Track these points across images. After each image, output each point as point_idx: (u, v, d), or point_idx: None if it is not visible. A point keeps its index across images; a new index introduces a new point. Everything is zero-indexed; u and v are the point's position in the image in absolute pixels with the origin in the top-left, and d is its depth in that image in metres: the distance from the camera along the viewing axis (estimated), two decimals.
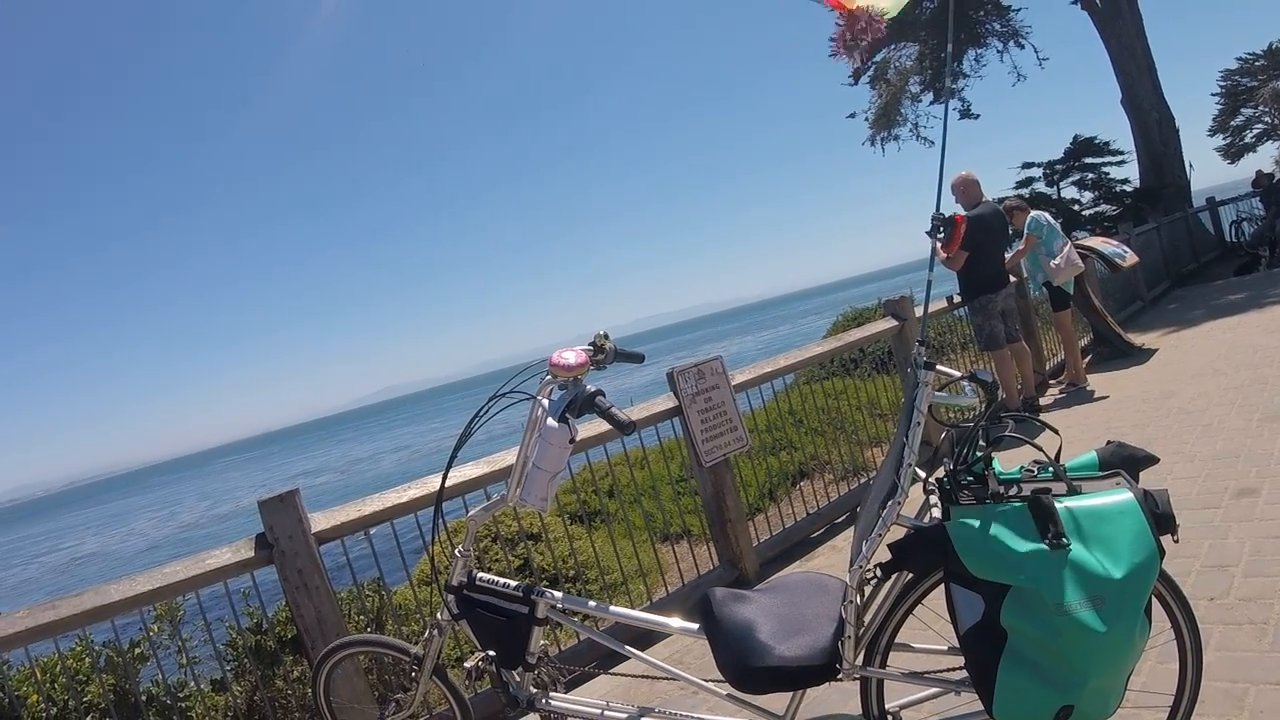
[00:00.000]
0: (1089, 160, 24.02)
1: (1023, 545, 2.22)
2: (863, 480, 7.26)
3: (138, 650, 4.64)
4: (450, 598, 3.47)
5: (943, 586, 2.43)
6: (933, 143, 24.23)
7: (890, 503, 2.44)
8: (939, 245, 2.82)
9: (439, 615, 3.57)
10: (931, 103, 24.29)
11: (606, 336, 3.24)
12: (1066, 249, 9.50)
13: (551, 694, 3.42)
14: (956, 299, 9.14)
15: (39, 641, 4.26)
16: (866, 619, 2.63)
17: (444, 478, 3.69)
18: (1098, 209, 23.56)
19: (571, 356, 3.08)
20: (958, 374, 2.61)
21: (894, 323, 7.87)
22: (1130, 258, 10.98)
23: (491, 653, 3.36)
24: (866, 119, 25.35)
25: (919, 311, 7.51)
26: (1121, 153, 23.80)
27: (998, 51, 23.64)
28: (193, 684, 4.80)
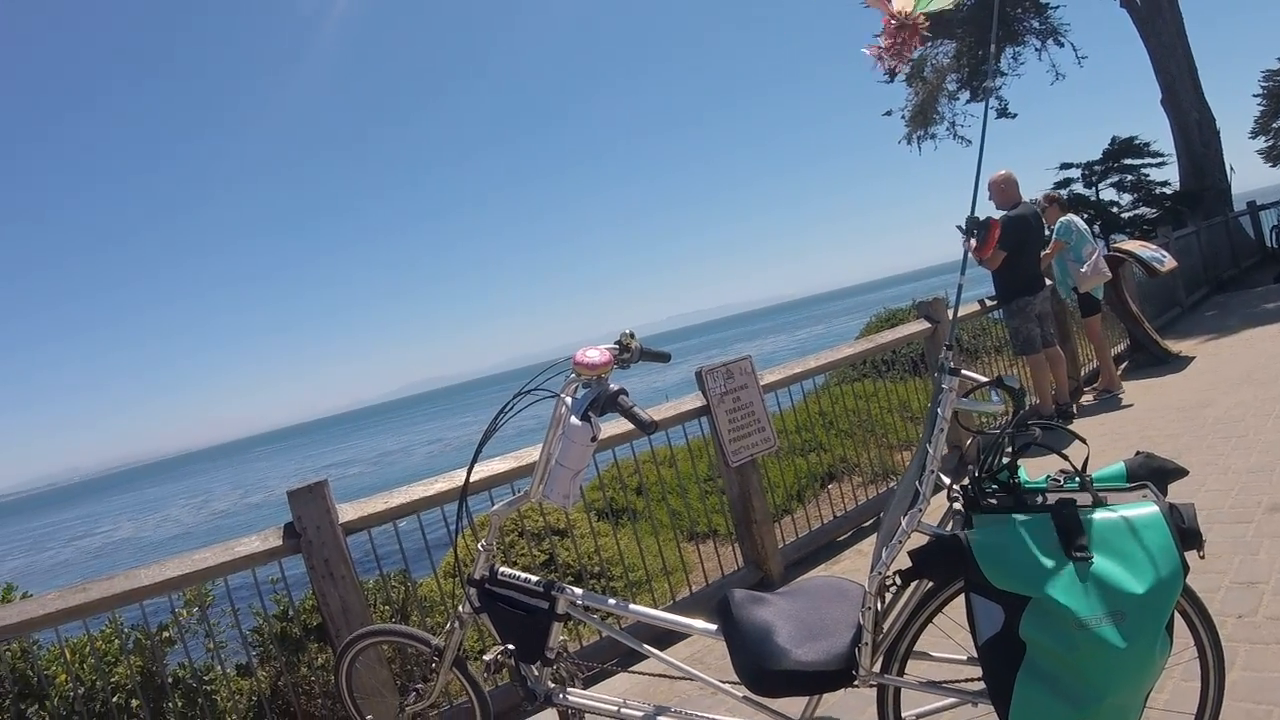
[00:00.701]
0: (1128, 162, 23.80)
1: (1044, 557, 2.20)
2: (891, 484, 7.20)
3: (166, 634, 4.69)
4: (472, 591, 3.49)
5: (963, 596, 2.42)
6: (970, 142, 23.96)
7: (912, 509, 2.42)
8: (972, 248, 2.80)
9: (460, 608, 3.59)
10: (968, 101, 24.08)
11: (632, 335, 3.25)
12: (1095, 255, 9.35)
13: (569, 689, 3.43)
14: (990, 301, 9.05)
15: (69, 623, 4.33)
16: (885, 626, 2.61)
17: (468, 472, 3.72)
18: (1136, 212, 23.34)
19: (595, 355, 3.08)
20: (984, 379, 2.59)
21: (926, 325, 7.81)
22: (1169, 262, 10.83)
23: (511, 646, 3.38)
24: (903, 117, 25.16)
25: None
26: (1161, 154, 23.56)
27: (1036, 50, 23.39)
28: (219, 668, 4.84)
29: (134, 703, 4.52)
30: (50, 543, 71.61)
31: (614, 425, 4.83)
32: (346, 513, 4.54)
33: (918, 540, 2.44)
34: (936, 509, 2.46)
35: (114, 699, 4.48)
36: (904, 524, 2.42)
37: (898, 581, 2.53)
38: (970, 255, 2.84)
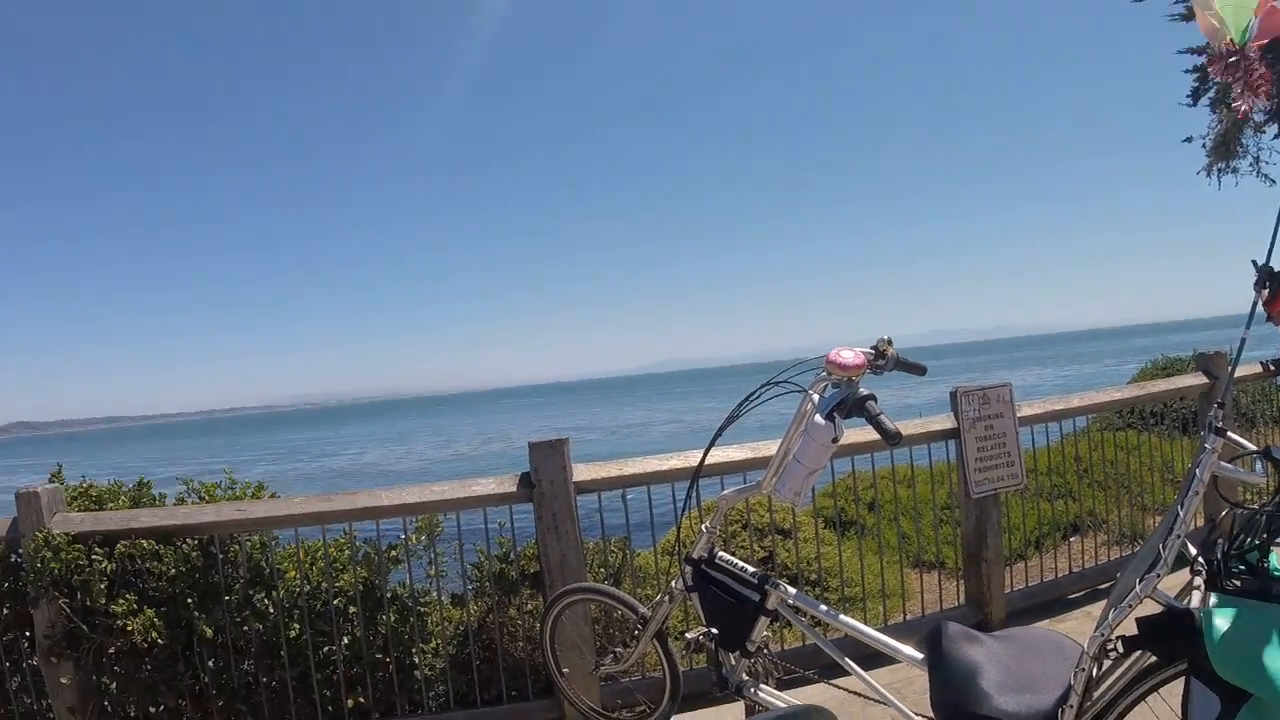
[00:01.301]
0: None
1: (1277, 654, 2.03)
2: (1138, 548, 6.83)
3: (393, 553, 4.93)
4: (688, 569, 3.53)
5: (1183, 678, 2.26)
6: (1274, 181, 22.03)
7: (1150, 574, 2.28)
8: (1263, 300, 2.57)
9: (674, 584, 3.64)
10: (1276, 135, 22.05)
11: (889, 342, 3.19)
12: None
13: (762, 686, 3.43)
14: (1274, 365, 8.31)
15: (309, 527, 4.66)
16: (1096, 693, 2.47)
17: (704, 454, 3.75)
18: None
19: (849, 356, 3.04)
20: (1251, 447, 2.43)
21: (1203, 379, 7.16)
22: None
23: (714, 630, 3.40)
24: (1204, 145, 23.24)
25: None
26: None
27: None
28: (434, 594, 5.08)
29: (351, 609, 4.81)
30: (301, 455, 76.95)
31: (857, 432, 4.75)
32: (581, 472, 4.69)
33: (1149, 609, 2.30)
34: (1178, 580, 2.30)
35: (335, 602, 4.77)
36: (1138, 588, 2.28)
37: (1119, 648, 2.38)
38: (1260, 308, 2.62)
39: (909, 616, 5.59)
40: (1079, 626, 5.59)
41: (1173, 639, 2.22)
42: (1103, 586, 6.40)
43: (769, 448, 4.79)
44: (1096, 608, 6.02)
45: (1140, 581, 2.28)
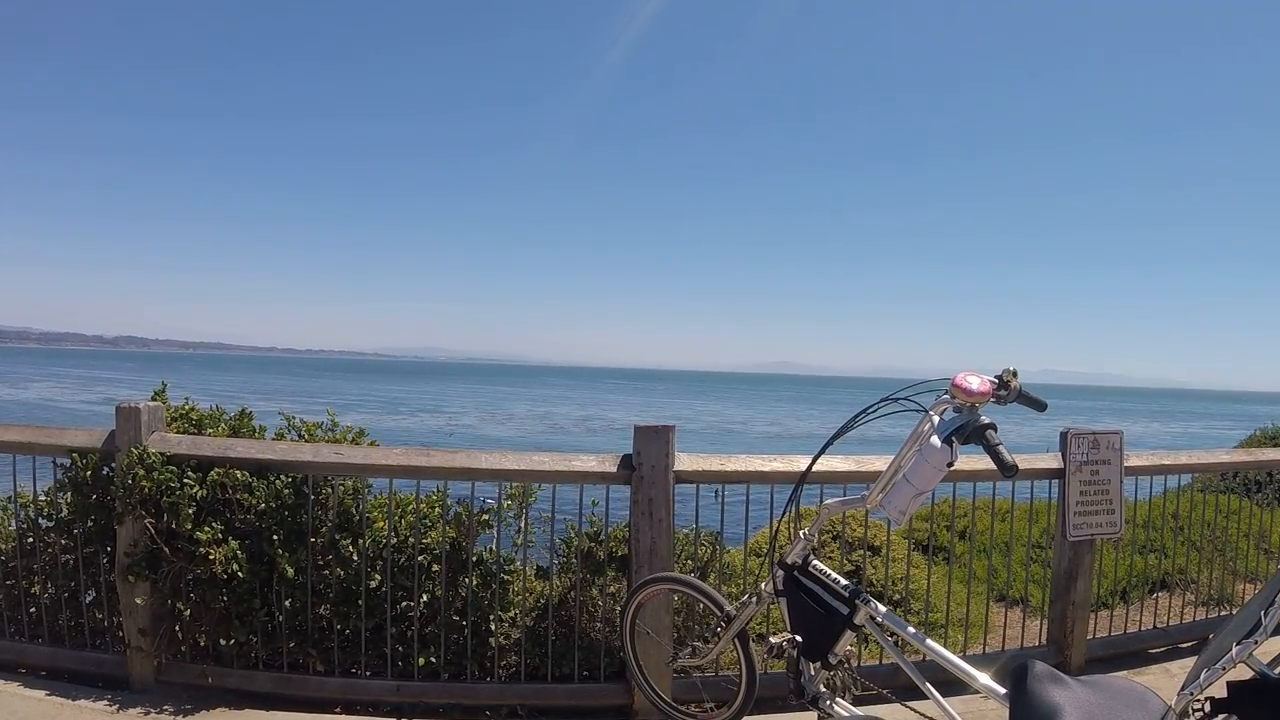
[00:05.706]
0: None
1: None
2: (1223, 613, 6.68)
3: (484, 517, 4.96)
4: (780, 574, 3.54)
5: None
6: None
7: (1248, 640, 2.24)
8: None
9: (763, 586, 3.65)
10: None
11: (1015, 374, 3.13)
12: None
13: (838, 700, 3.42)
14: None
15: (404, 479, 4.73)
16: None
17: (813, 460, 3.75)
18: None
19: (975, 382, 3.00)
20: None
21: None
22: None
23: (798, 638, 3.39)
24: None
25: None
26: None
27: None
28: (519, 563, 5.11)
29: (435, 568, 4.85)
30: (402, 407, 78.07)
31: (965, 460, 4.70)
32: (683, 462, 4.69)
33: (1241, 674, 2.27)
34: (1271, 648, 2.26)
35: (419, 558, 4.82)
36: (1235, 651, 2.25)
37: (1206, 709, 2.35)
38: None
39: (988, 649, 5.52)
40: (1156, 682, 5.49)
41: (1263, 707, 2.20)
42: (1184, 645, 6.30)
43: (873, 462, 4.78)
44: (1175, 665, 5.93)
45: (1238, 645, 2.25)
